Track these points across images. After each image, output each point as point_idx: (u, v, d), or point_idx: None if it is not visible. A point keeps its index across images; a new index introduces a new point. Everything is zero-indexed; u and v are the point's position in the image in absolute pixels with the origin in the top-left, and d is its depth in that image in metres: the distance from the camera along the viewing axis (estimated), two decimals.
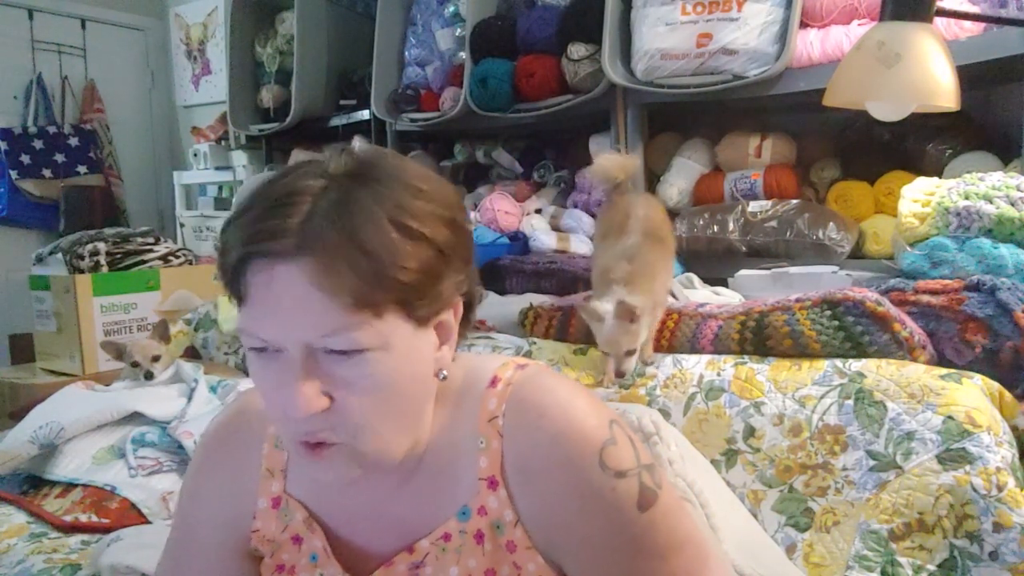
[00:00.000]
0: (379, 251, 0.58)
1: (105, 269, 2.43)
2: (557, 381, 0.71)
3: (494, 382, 0.71)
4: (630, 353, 1.29)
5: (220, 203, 3.44)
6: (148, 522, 1.45)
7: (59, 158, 3.70)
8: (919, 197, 1.44)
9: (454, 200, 0.66)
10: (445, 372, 0.69)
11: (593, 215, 2.32)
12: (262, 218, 0.59)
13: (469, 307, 0.72)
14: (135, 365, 1.89)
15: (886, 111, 1.31)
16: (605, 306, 1.28)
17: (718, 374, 1.28)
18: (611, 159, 1.58)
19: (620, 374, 1.29)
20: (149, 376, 1.85)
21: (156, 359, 1.88)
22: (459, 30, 2.54)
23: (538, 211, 2.42)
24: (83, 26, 3.90)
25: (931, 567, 0.99)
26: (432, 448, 0.71)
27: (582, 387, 0.73)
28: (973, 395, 1.07)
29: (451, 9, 2.57)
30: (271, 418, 0.66)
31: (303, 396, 0.59)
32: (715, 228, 1.96)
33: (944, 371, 1.12)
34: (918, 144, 1.87)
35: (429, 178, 0.65)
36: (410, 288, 0.60)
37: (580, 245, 2.25)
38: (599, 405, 0.70)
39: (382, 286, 0.58)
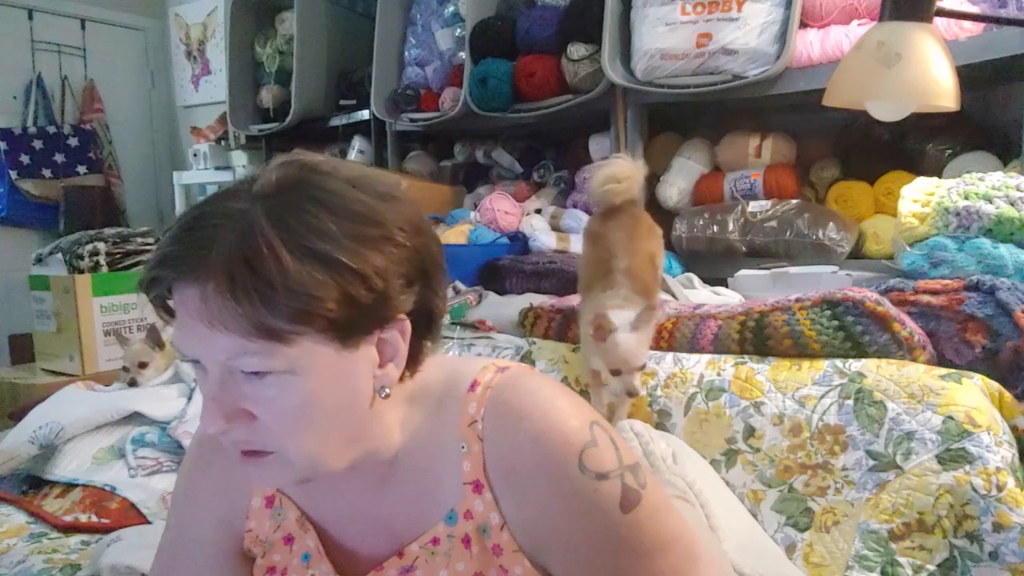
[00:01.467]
0: (277, 283, 0.57)
1: (105, 269, 2.42)
2: (538, 384, 0.70)
3: (474, 386, 0.70)
4: (642, 368, 1.21)
5: None
6: (148, 522, 1.45)
7: (59, 158, 3.70)
8: (919, 197, 1.44)
9: (399, 218, 0.64)
10: (388, 390, 0.67)
11: (593, 215, 2.32)
12: (173, 241, 0.60)
13: (429, 319, 0.69)
14: (126, 370, 1.89)
15: (886, 111, 1.31)
16: (620, 316, 1.18)
17: (718, 374, 1.28)
18: (611, 174, 1.40)
19: (633, 394, 1.20)
20: (133, 383, 1.85)
21: (143, 365, 1.87)
22: (459, 30, 2.54)
23: (538, 211, 2.42)
24: (83, 26, 3.90)
25: (931, 567, 0.99)
26: (410, 451, 0.71)
27: (564, 388, 0.72)
28: (973, 395, 1.07)
29: (451, 9, 2.57)
30: None
31: (211, 413, 0.61)
32: (715, 228, 1.96)
33: (944, 371, 1.12)
34: (918, 144, 1.87)
35: (369, 194, 0.63)
36: (322, 317, 0.59)
37: (580, 245, 2.25)
38: (581, 407, 0.70)
39: (284, 317, 0.58)
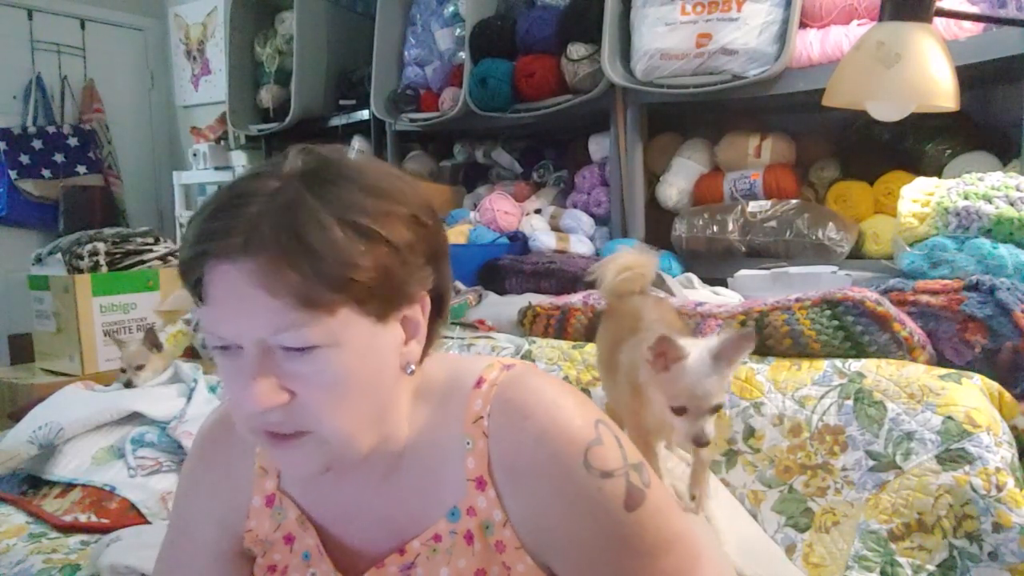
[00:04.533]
0: (326, 251, 0.58)
1: (104, 269, 2.43)
2: (543, 381, 0.71)
3: (480, 383, 0.71)
4: (717, 409, 0.91)
5: None
6: (147, 522, 1.45)
7: (58, 158, 3.71)
8: (918, 197, 1.44)
9: (417, 198, 0.67)
10: (413, 366, 0.69)
11: (593, 215, 2.32)
12: (212, 218, 0.61)
13: (441, 302, 0.72)
14: (123, 371, 1.89)
15: (886, 111, 1.31)
16: (693, 343, 0.92)
17: None
18: (624, 263, 1.16)
19: (701, 442, 0.90)
20: (129, 385, 1.85)
21: (140, 368, 1.88)
22: (459, 30, 2.54)
23: (538, 211, 2.42)
24: (82, 26, 3.90)
25: (931, 567, 0.99)
26: (414, 447, 0.72)
27: (570, 387, 0.72)
28: (973, 395, 1.07)
29: (451, 9, 2.57)
30: (235, 415, 0.66)
31: (258, 392, 0.60)
32: (715, 228, 1.96)
33: (944, 371, 1.12)
34: (918, 144, 1.87)
35: (389, 176, 0.66)
36: (363, 286, 0.60)
37: (580, 245, 2.25)
38: (586, 405, 0.70)
39: (330, 286, 0.59)
